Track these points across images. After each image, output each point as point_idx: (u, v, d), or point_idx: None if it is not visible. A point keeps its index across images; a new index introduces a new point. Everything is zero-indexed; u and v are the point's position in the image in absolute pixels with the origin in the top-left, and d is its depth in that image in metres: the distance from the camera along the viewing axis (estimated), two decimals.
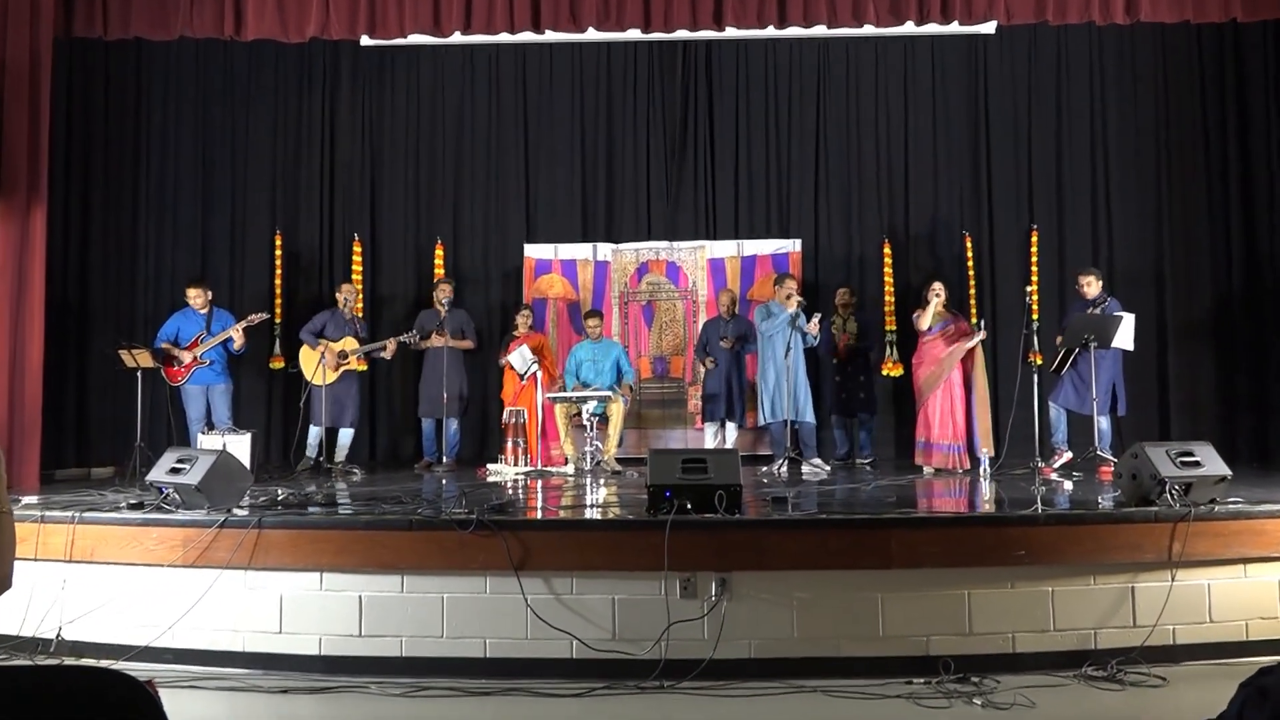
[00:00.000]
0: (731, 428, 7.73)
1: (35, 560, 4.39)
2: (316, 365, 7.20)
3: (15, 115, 6.36)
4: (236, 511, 4.49)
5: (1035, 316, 7.59)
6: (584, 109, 8.72)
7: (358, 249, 8.34)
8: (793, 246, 8.35)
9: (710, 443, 7.64)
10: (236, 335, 6.95)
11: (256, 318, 7.16)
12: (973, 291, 8.10)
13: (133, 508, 4.62)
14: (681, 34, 7.11)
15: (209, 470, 4.57)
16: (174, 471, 4.66)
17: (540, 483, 6.43)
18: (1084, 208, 8.31)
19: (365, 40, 7.68)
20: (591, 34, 6.94)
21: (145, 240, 8.28)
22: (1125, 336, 6.54)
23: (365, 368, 7.72)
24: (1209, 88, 8.11)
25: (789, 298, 6.91)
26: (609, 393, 7.07)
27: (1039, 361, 6.93)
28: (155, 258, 8.31)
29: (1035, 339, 6.96)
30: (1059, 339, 6.80)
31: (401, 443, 8.50)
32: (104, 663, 3.97)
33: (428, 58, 8.67)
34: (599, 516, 5.01)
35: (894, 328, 8.09)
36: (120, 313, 8.09)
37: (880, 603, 4.14)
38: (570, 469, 7.06)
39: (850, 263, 8.53)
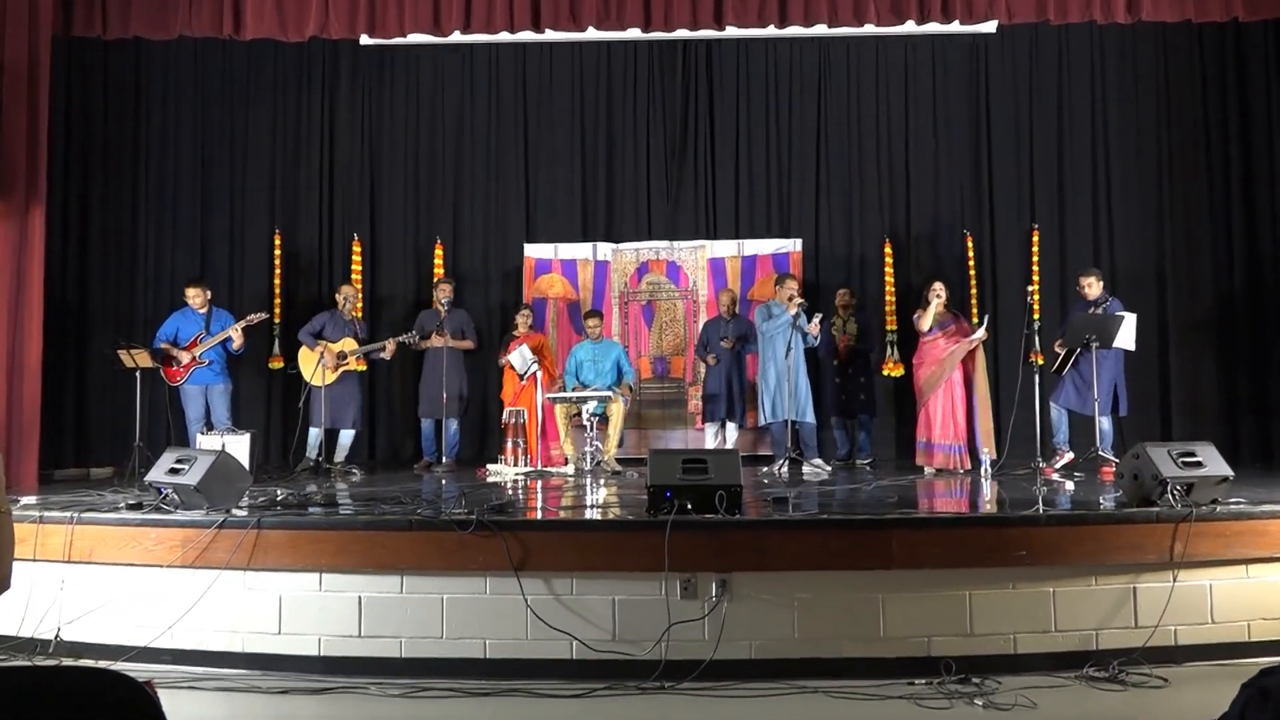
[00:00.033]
0: (732, 428, 7.72)
1: (34, 561, 4.37)
2: (315, 366, 7.19)
3: (14, 115, 6.35)
4: (235, 512, 4.48)
5: (1036, 316, 7.57)
6: (584, 108, 8.71)
7: (357, 249, 8.33)
8: (793, 246, 8.34)
9: (711, 443, 7.63)
10: (235, 335, 6.94)
11: (256, 317, 7.15)
12: (974, 291, 8.10)
13: (131, 508, 4.61)
14: (682, 33, 7.10)
15: (208, 470, 4.56)
16: (173, 472, 4.65)
17: (540, 483, 6.41)
18: (1085, 207, 8.30)
19: (365, 40, 7.69)
20: (591, 33, 6.93)
21: (144, 240, 8.27)
22: (1127, 336, 6.53)
23: (364, 368, 7.70)
24: (1210, 87, 8.10)
25: (790, 299, 6.91)
26: (609, 393, 7.06)
27: (1040, 362, 6.90)
28: (154, 257, 8.30)
29: (1036, 339, 6.93)
30: (1058, 342, 6.78)
31: (401, 443, 8.49)
32: (103, 663, 3.95)
33: (427, 57, 8.65)
34: (599, 517, 5.00)
35: (895, 328, 8.08)
36: (119, 313, 8.09)
37: (881, 603, 4.13)
38: (570, 469, 7.05)
39: (851, 262, 8.52)
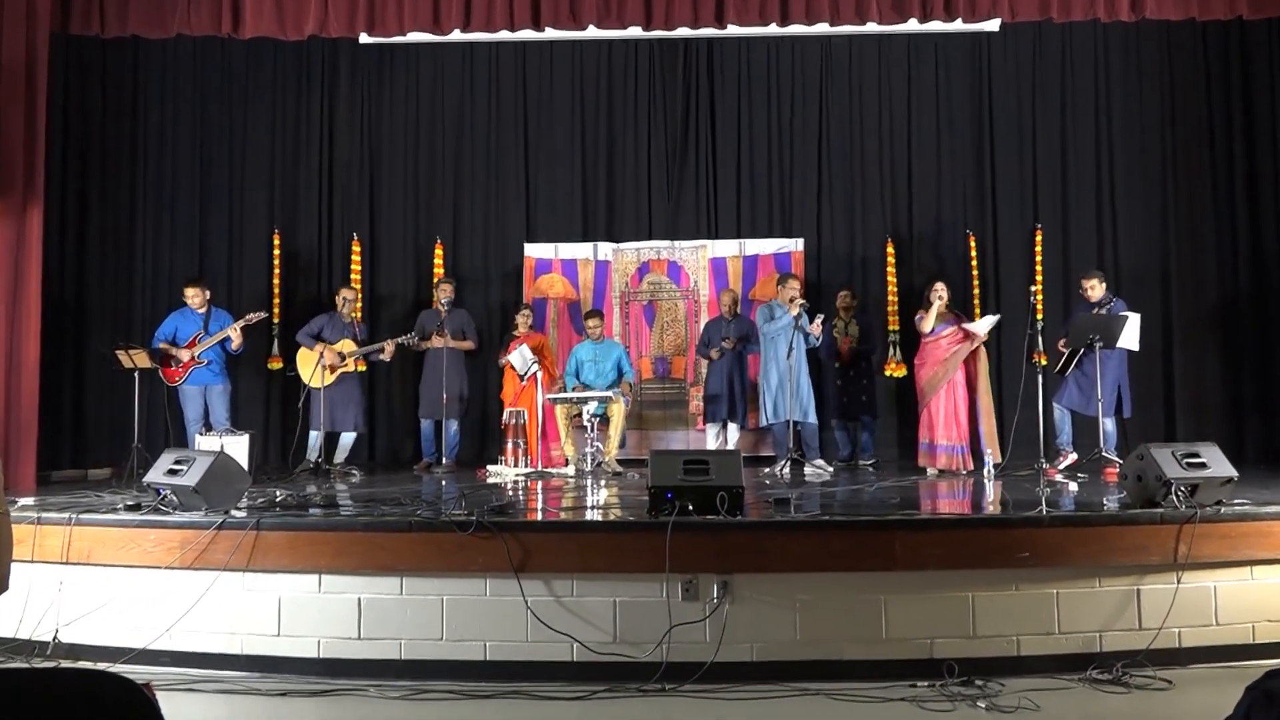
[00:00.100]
0: (733, 429, 7.69)
1: (32, 562, 4.36)
2: (314, 368, 7.16)
3: (12, 113, 6.34)
4: (234, 513, 4.46)
5: (1040, 316, 7.56)
6: (584, 107, 8.68)
7: (357, 248, 8.31)
8: (795, 246, 8.32)
9: (712, 444, 7.61)
10: (234, 335, 6.92)
11: (255, 317, 7.13)
12: (976, 291, 8.07)
13: (130, 509, 4.60)
14: (683, 31, 7.09)
15: (207, 471, 4.53)
16: (171, 473, 4.63)
17: (540, 484, 6.39)
18: (1089, 206, 8.27)
19: (364, 38, 7.67)
20: (592, 32, 6.92)
21: (143, 239, 8.25)
22: (1131, 336, 6.51)
23: (364, 369, 7.68)
24: (1214, 85, 8.07)
25: (792, 300, 6.89)
26: (609, 393, 7.04)
27: (1043, 362, 6.89)
28: (153, 257, 8.28)
29: (1040, 339, 6.92)
30: (1062, 341, 6.75)
31: (401, 444, 8.46)
32: (101, 665, 3.93)
33: (427, 56, 8.63)
34: (600, 518, 4.98)
35: (897, 328, 8.06)
36: (118, 312, 8.07)
37: (883, 605, 4.11)
38: (571, 470, 7.03)
39: (853, 262, 8.49)
